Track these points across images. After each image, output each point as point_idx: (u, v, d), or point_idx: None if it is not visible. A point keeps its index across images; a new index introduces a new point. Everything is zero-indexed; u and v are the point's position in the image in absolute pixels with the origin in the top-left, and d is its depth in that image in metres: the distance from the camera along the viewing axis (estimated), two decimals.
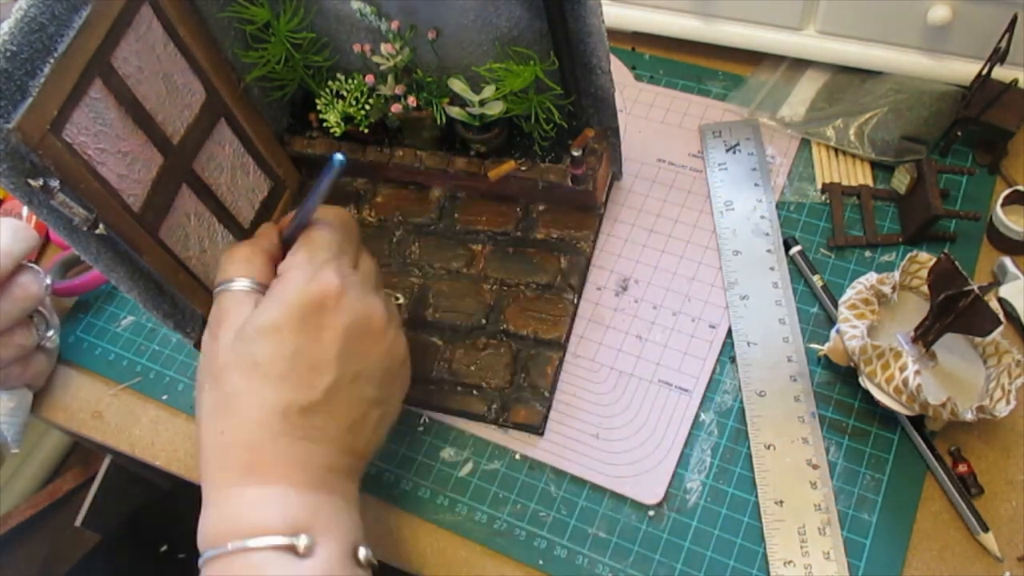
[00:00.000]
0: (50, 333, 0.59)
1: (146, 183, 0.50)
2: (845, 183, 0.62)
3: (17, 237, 0.54)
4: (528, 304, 0.58)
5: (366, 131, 0.60)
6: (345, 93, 0.59)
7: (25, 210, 0.70)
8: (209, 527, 0.40)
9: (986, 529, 0.48)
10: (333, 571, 0.39)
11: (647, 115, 0.68)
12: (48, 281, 0.58)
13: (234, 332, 0.43)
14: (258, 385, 0.41)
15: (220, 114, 0.56)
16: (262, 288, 0.45)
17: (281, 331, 0.41)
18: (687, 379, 0.56)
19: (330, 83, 0.60)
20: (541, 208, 0.62)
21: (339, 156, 0.42)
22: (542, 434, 0.55)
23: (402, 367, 0.47)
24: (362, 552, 0.42)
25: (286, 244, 0.47)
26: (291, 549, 0.39)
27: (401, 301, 0.58)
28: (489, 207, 0.62)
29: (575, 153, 0.55)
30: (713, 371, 0.56)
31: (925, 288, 0.52)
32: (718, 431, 0.54)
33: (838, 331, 0.52)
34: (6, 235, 0.53)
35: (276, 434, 0.41)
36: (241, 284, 0.45)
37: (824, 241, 0.60)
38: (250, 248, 0.47)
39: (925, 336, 0.50)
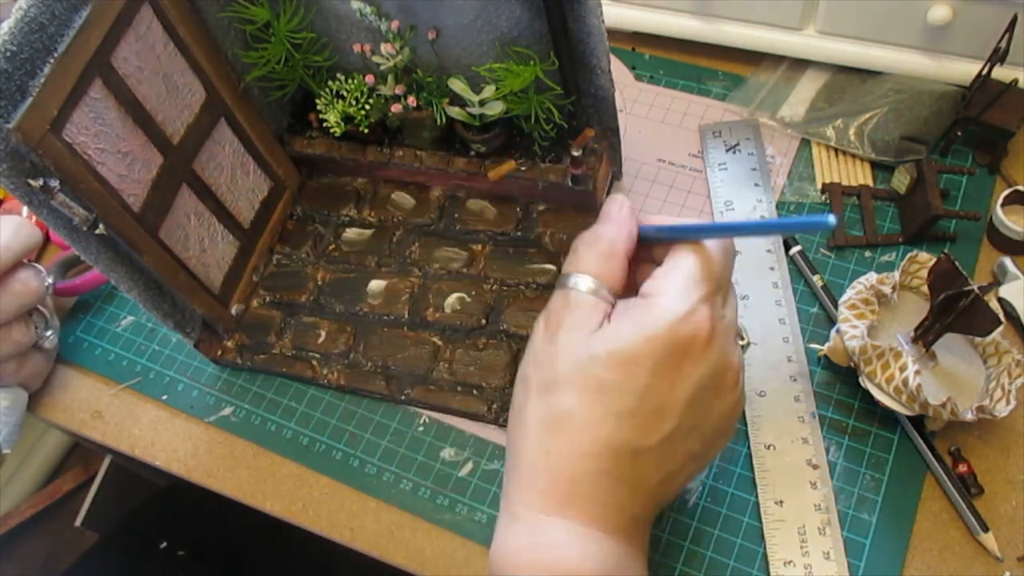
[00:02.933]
0: (48, 333, 0.59)
1: (146, 183, 0.50)
2: (845, 183, 0.62)
3: (19, 233, 0.54)
4: (528, 304, 0.58)
5: (366, 131, 0.60)
6: (345, 93, 0.59)
7: (25, 210, 0.70)
8: (515, 551, 0.38)
9: (986, 529, 0.48)
10: None
11: (647, 115, 0.68)
12: (49, 280, 0.57)
13: (579, 341, 0.39)
14: (598, 414, 0.38)
15: (220, 114, 0.56)
16: (609, 293, 0.40)
17: (638, 365, 0.37)
18: None
19: (330, 83, 0.60)
20: (541, 208, 0.62)
21: (832, 219, 0.33)
22: None
23: (731, 428, 0.43)
24: None
25: (643, 239, 0.42)
26: None
27: (745, 342, 0.50)
28: (489, 207, 0.62)
29: (575, 153, 0.55)
30: None
31: (925, 288, 0.52)
32: (735, 424, 0.54)
33: (838, 331, 0.51)
34: (7, 231, 0.53)
35: (603, 471, 0.38)
36: (592, 284, 0.40)
37: (824, 241, 0.60)
38: (610, 245, 0.41)
39: (925, 336, 0.50)
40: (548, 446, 0.38)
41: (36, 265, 0.57)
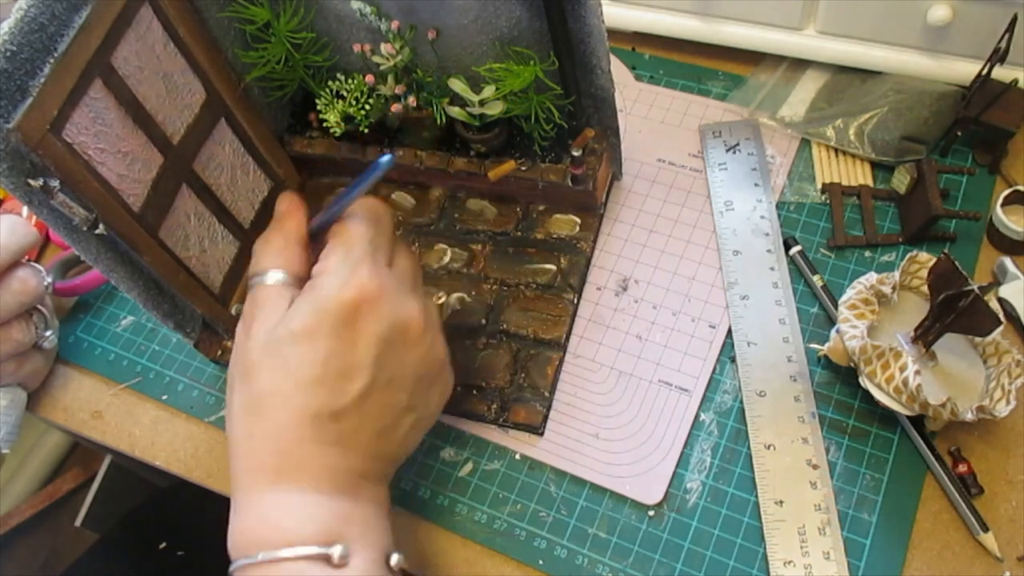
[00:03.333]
0: (48, 333, 0.59)
1: (146, 183, 0.50)
2: (845, 183, 0.62)
3: (16, 232, 0.54)
4: (528, 304, 0.58)
5: (366, 131, 0.60)
6: (345, 93, 0.59)
7: (25, 210, 0.70)
8: (239, 534, 0.40)
9: (986, 529, 0.48)
10: None
11: (647, 115, 0.68)
12: (49, 280, 0.57)
13: (267, 330, 0.42)
14: (289, 388, 0.41)
15: (220, 114, 0.56)
16: (297, 281, 0.44)
17: (315, 336, 0.41)
18: (687, 379, 0.56)
19: (330, 83, 0.59)
20: (541, 208, 0.62)
21: (387, 156, 0.42)
22: (542, 434, 0.55)
23: (440, 373, 0.46)
24: (394, 559, 0.41)
25: (314, 235, 0.47)
26: (325, 559, 0.38)
27: (443, 300, 0.55)
28: (489, 207, 0.62)
29: (575, 153, 0.55)
30: (713, 371, 0.56)
31: (925, 288, 0.52)
32: (718, 431, 0.54)
33: (838, 331, 0.52)
34: (4, 230, 0.53)
35: (305, 439, 0.40)
36: (275, 277, 0.45)
37: (824, 241, 0.60)
38: (283, 238, 0.46)
39: (925, 336, 0.50)
40: (251, 428, 0.41)
41: (35, 264, 0.57)
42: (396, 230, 0.47)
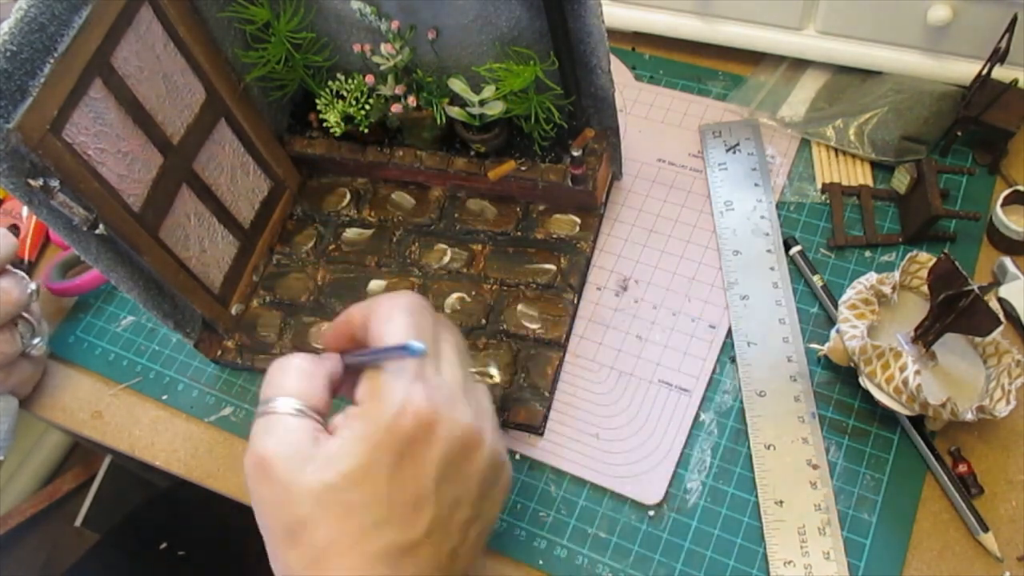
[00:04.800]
0: (36, 341, 0.58)
1: (146, 183, 0.50)
2: (845, 183, 0.62)
3: None
4: (528, 304, 0.58)
5: (366, 131, 0.60)
6: (345, 93, 0.59)
7: (25, 210, 0.70)
8: None
9: (986, 529, 0.48)
10: None
11: (647, 115, 0.68)
12: (33, 287, 0.56)
13: (303, 473, 0.37)
14: (356, 533, 0.37)
15: (220, 114, 0.56)
16: (315, 415, 0.39)
17: (375, 474, 0.37)
18: (687, 379, 0.56)
19: (330, 83, 0.60)
20: (541, 208, 0.62)
21: (420, 346, 0.37)
22: (542, 434, 0.55)
23: (500, 472, 0.42)
24: None
25: (349, 371, 0.42)
26: None
27: (495, 378, 0.49)
28: (489, 207, 0.62)
29: (575, 153, 0.55)
30: (713, 371, 0.56)
31: (925, 288, 0.52)
32: (718, 431, 0.54)
33: (838, 331, 0.52)
34: None
35: None
36: (293, 405, 0.39)
37: (824, 241, 0.60)
38: (309, 362, 0.41)
39: (925, 336, 0.50)
40: None
41: (17, 272, 0.56)
42: (435, 318, 0.42)
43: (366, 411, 0.38)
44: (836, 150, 0.63)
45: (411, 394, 0.38)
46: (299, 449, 0.38)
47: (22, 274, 0.56)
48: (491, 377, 0.49)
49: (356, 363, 0.41)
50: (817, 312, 0.57)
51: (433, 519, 0.38)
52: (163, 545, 0.81)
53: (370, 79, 0.58)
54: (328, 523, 0.37)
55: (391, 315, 0.40)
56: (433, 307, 0.43)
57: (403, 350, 0.38)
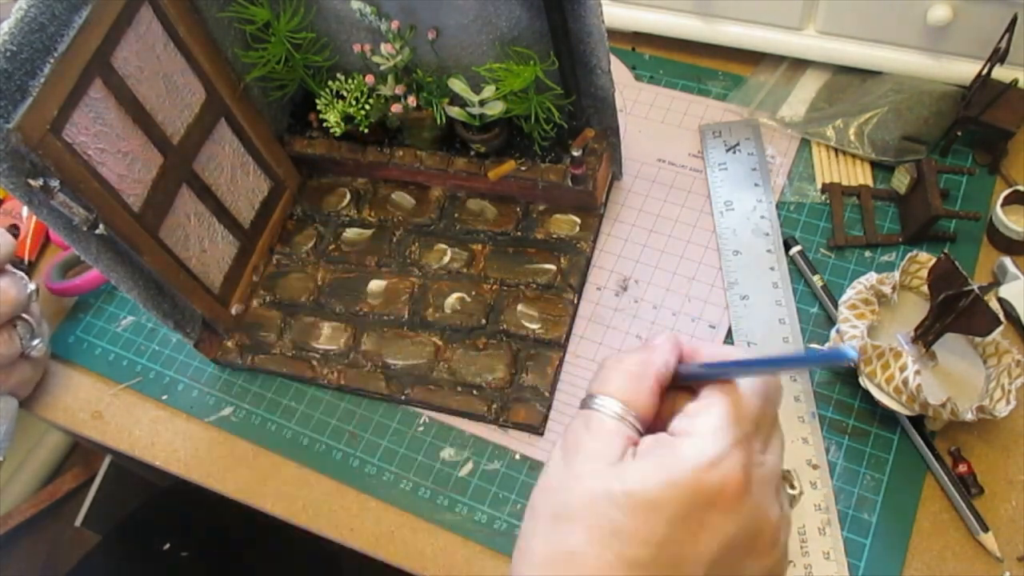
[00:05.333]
0: (36, 342, 0.57)
1: (146, 183, 0.50)
2: (845, 183, 0.62)
3: None
4: (528, 304, 0.58)
5: (366, 131, 0.60)
6: (345, 93, 0.59)
7: (25, 210, 0.70)
8: None
9: (986, 529, 0.48)
10: None
11: (647, 115, 0.68)
12: (32, 287, 0.56)
13: (596, 473, 0.35)
14: (610, 559, 0.34)
15: (220, 114, 0.56)
16: (637, 422, 0.37)
17: (658, 511, 0.34)
18: None
19: (330, 83, 0.60)
20: (541, 208, 0.62)
21: (852, 354, 0.33)
22: (542, 434, 0.55)
23: None
24: None
25: (681, 379, 0.39)
26: None
27: (797, 491, 0.44)
28: (489, 207, 0.62)
29: (575, 153, 0.55)
30: None
31: (925, 288, 0.52)
32: None
33: (838, 331, 0.51)
34: None
35: None
36: (616, 409, 0.37)
37: (824, 241, 0.60)
38: (643, 368, 0.38)
39: (925, 336, 0.50)
40: None
41: (16, 272, 0.56)
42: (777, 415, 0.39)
43: (678, 444, 0.35)
44: (836, 150, 0.63)
45: (732, 453, 0.34)
46: (607, 451, 0.36)
47: (21, 274, 0.56)
48: (793, 488, 0.44)
49: (699, 375, 0.38)
50: (817, 312, 0.57)
51: None
52: (166, 546, 0.80)
53: (370, 79, 0.58)
54: (591, 534, 0.35)
55: (747, 384, 0.37)
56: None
57: (834, 355, 0.35)
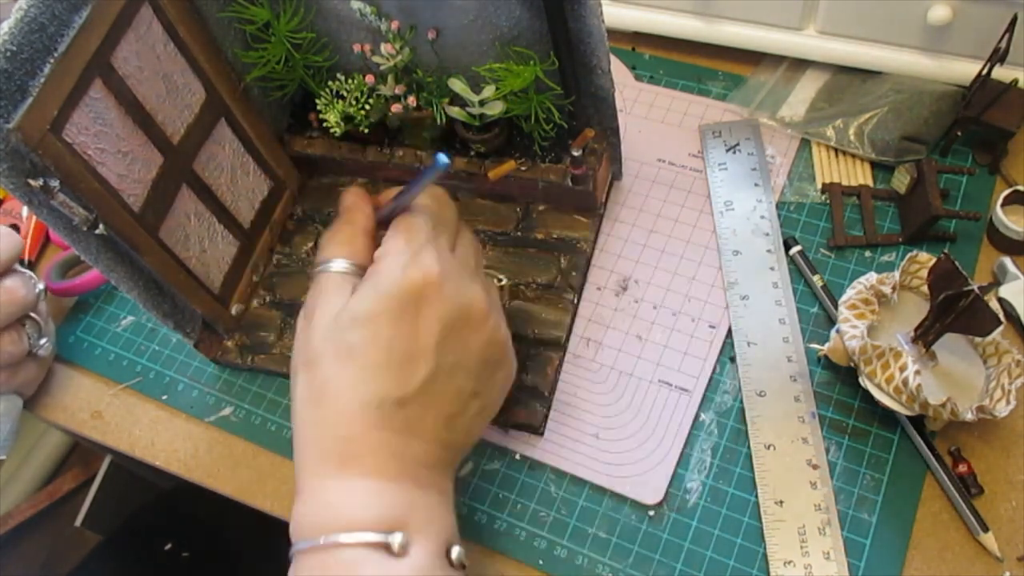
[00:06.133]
0: (43, 341, 0.57)
1: (146, 183, 0.50)
2: (845, 183, 0.62)
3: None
4: (528, 304, 0.58)
5: (366, 131, 0.60)
6: (345, 93, 0.59)
7: (25, 210, 0.70)
8: (300, 518, 0.40)
9: (986, 529, 0.48)
10: (426, 572, 0.38)
11: (647, 115, 0.68)
12: (40, 287, 0.56)
13: (330, 317, 0.42)
14: (353, 374, 0.40)
15: (220, 114, 0.56)
16: (360, 270, 0.44)
17: (378, 320, 0.40)
18: (687, 379, 0.56)
19: (330, 83, 0.59)
20: (541, 208, 0.62)
21: (443, 158, 0.41)
22: (542, 434, 0.55)
23: (504, 356, 0.45)
24: (455, 552, 0.40)
25: (380, 225, 0.47)
26: (385, 547, 0.37)
27: (504, 283, 0.54)
28: (489, 207, 0.62)
29: (575, 153, 0.55)
30: (713, 371, 0.56)
31: (925, 288, 0.52)
32: (718, 431, 0.54)
33: (838, 331, 0.52)
34: None
35: (371, 426, 0.40)
36: (339, 265, 0.44)
37: (824, 241, 0.60)
38: (350, 229, 0.46)
39: (925, 336, 0.50)
40: (316, 416, 0.40)
41: (25, 271, 0.56)
42: (459, 216, 0.48)
43: (381, 265, 0.42)
44: (836, 150, 0.63)
45: (421, 254, 0.41)
46: (337, 299, 0.42)
47: (30, 273, 0.56)
48: (499, 280, 0.53)
49: (388, 215, 0.46)
50: (817, 312, 0.57)
51: (428, 376, 0.41)
52: (168, 546, 0.81)
53: (370, 79, 0.58)
54: (333, 360, 0.40)
55: (416, 205, 0.45)
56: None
57: (433, 167, 0.41)
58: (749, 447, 0.53)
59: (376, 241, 0.45)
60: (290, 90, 0.60)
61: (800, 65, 0.68)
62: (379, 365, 0.40)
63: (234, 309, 0.61)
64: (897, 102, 0.62)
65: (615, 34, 0.71)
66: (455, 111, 0.57)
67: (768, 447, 0.52)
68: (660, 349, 0.57)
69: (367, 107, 0.59)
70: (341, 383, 0.40)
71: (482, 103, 0.55)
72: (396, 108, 0.58)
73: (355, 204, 0.48)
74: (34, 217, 0.69)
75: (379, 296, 0.41)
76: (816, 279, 0.58)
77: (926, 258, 0.52)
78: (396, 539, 0.37)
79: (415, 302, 0.40)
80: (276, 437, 0.58)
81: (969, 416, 0.47)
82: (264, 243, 0.63)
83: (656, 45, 0.71)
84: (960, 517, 0.50)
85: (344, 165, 0.64)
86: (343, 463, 0.39)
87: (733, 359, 0.56)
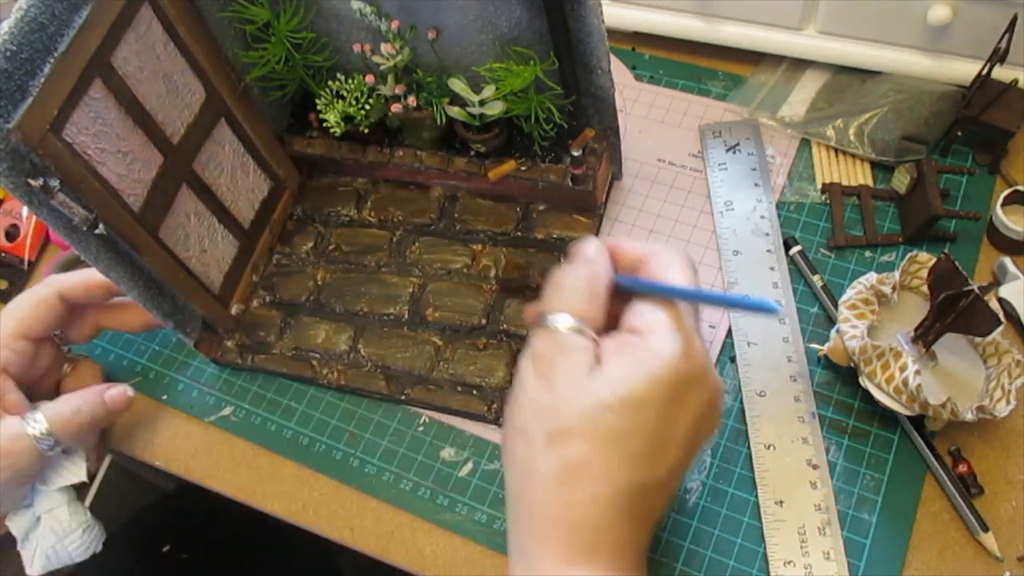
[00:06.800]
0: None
1: (146, 183, 0.50)
2: (845, 183, 0.62)
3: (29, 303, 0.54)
4: (528, 304, 0.58)
5: (366, 131, 0.60)
6: (345, 93, 0.59)
7: (25, 210, 0.70)
8: None
9: (986, 529, 0.48)
10: None
11: (647, 115, 0.68)
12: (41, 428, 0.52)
13: (581, 389, 0.38)
14: (614, 461, 0.37)
15: (220, 114, 0.56)
16: (592, 334, 0.40)
17: (648, 407, 0.37)
18: None
19: (330, 83, 0.60)
20: (541, 208, 0.62)
21: (777, 308, 0.39)
22: None
23: (711, 437, 0.44)
24: None
25: (616, 291, 0.42)
26: None
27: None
28: (489, 207, 0.62)
29: (575, 153, 0.55)
30: None
31: (925, 288, 0.52)
32: (718, 431, 0.54)
33: (838, 331, 0.51)
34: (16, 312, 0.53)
35: (621, 515, 0.37)
36: (570, 322, 0.40)
37: (824, 241, 0.60)
38: (592, 280, 0.41)
39: (925, 336, 0.50)
40: (567, 498, 0.37)
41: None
42: None
43: (648, 342, 0.38)
44: (836, 150, 0.63)
45: (693, 341, 0.39)
46: (581, 366, 0.38)
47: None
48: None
49: (630, 286, 0.41)
50: (817, 312, 0.57)
51: (676, 464, 0.39)
52: (166, 548, 0.80)
53: (370, 79, 0.58)
54: (592, 442, 0.37)
55: (672, 264, 0.41)
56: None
57: (761, 307, 0.39)
58: (749, 447, 0.53)
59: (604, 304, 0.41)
60: (290, 90, 0.60)
61: (800, 65, 0.68)
62: (640, 453, 0.37)
63: (234, 309, 0.61)
64: (897, 102, 0.62)
65: (615, 34, 0.71)
66: (455, 111, 0.57)
67: (768, 447, 0.52)
68: None
69: (367, 107, 0.59)
70: (600, 468, 0.37)
71: (482, 103, 0.55)
72: (396, 108, 0.58)
73: (598, 259, 0.43)
74: (34, 217, 0.69)
75: (651, 380, 0.37)
76: (816, 279, 0.58)
77: (926, 258, 0.52)
78: None
79: (684, 390, 0.38)
80: (276, 437, 0.58)
81: (969, 416, 0.47)
82: (264, 243, 0.63)
83: (656, 45, 0.71)
84: (960, 517, 0.50)
85: (344, 165, 0.64)
86: (592, 551, 0.37)
87: (733, 359, 0.56)
